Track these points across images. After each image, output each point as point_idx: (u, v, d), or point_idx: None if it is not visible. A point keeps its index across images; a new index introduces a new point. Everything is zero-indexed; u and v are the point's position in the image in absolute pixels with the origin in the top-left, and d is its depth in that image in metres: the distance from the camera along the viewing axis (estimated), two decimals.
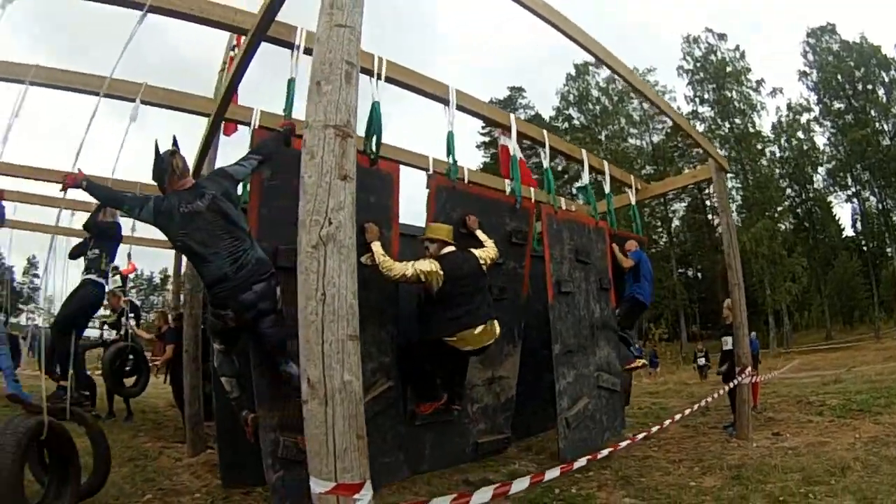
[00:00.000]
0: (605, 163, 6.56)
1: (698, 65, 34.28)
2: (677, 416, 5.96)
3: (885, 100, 30.22)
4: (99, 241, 4.86)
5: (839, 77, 31.12)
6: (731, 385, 6.51)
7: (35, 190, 7.12)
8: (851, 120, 30.76)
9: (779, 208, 32.29)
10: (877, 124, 30.33)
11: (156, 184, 3.24)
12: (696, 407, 6.39)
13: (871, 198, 31.81)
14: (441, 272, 3.80)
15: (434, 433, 4.51)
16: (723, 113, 33.26)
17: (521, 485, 2.92)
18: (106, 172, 3.88)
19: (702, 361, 17.51)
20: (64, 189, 3.09)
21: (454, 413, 4.55)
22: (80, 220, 6.06)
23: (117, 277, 7.32)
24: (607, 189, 6.52)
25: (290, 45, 3.65)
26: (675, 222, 40.25)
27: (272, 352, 3.21)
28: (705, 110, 34.41)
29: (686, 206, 39.36)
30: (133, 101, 4.11)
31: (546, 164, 5.42)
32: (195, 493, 4.06)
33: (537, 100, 62.45)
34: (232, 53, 5.39)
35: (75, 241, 5.62)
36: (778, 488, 3.93)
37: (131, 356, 7.02)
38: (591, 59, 33.80)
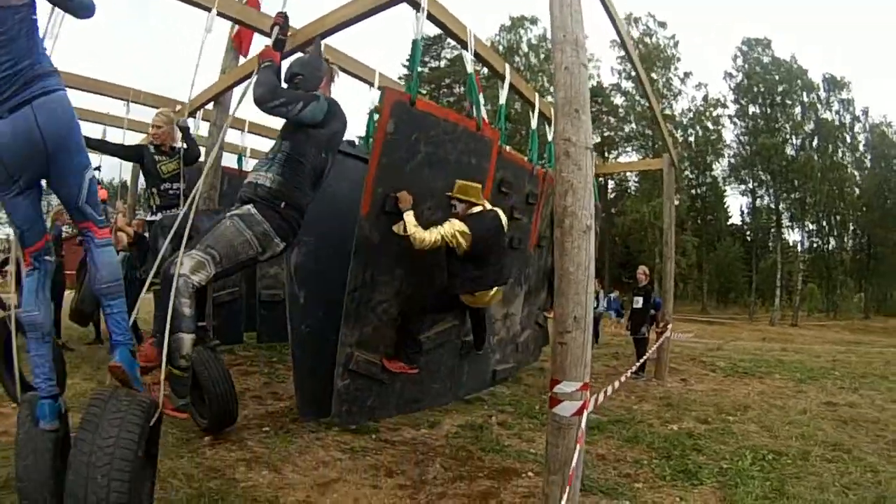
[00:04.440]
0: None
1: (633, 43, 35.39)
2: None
3: (800, 117, 33.69)
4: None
5: (761, 86, 34.06)
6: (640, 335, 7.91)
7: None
8: (763, 126, 34.05)
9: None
10: (787, 136, 33.83)
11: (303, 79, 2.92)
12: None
13: (766, 197, 35.90)
14: (468, 232, 3.76)
15: (469, 363, 5.11)
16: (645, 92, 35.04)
17: None
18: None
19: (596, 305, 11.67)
20: (275, 25, 2.99)
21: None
22: None
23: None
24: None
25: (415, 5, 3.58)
26: None
27: None
28: (628, 85, 36.26)
29: None
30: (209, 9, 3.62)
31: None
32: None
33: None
34: None
35: None
36: (701, 414, 5.21)
37: None
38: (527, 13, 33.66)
